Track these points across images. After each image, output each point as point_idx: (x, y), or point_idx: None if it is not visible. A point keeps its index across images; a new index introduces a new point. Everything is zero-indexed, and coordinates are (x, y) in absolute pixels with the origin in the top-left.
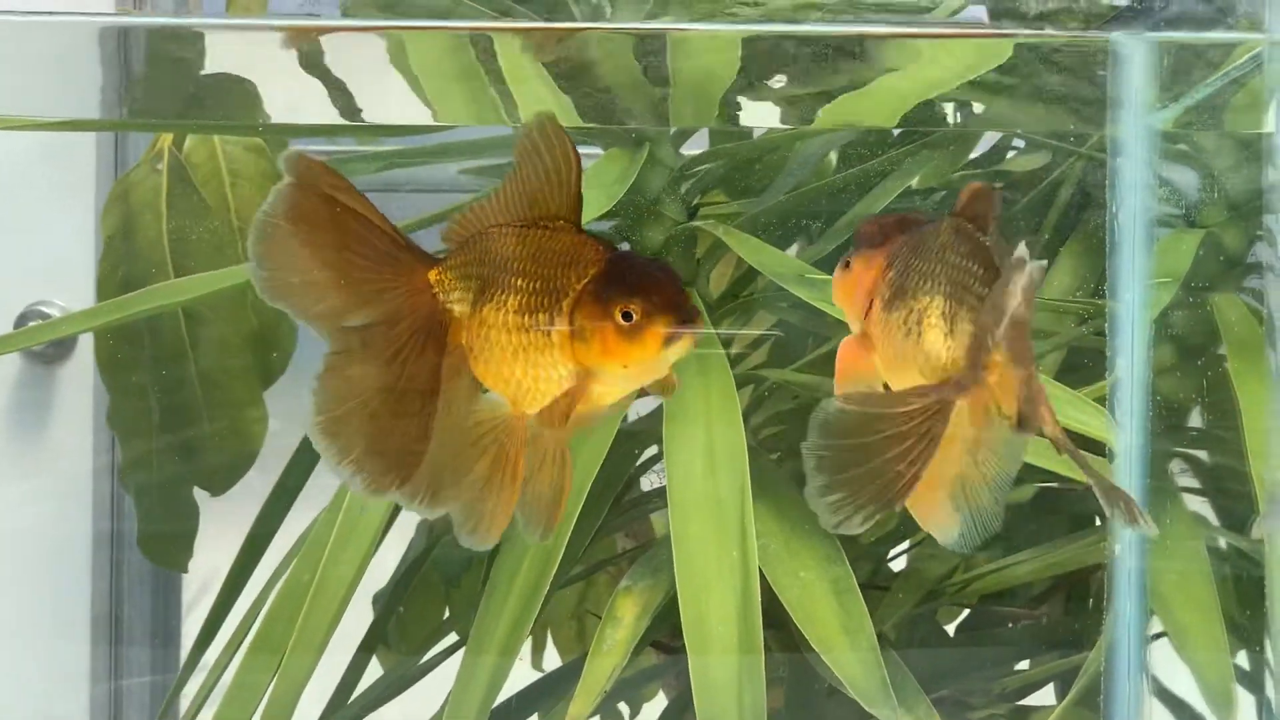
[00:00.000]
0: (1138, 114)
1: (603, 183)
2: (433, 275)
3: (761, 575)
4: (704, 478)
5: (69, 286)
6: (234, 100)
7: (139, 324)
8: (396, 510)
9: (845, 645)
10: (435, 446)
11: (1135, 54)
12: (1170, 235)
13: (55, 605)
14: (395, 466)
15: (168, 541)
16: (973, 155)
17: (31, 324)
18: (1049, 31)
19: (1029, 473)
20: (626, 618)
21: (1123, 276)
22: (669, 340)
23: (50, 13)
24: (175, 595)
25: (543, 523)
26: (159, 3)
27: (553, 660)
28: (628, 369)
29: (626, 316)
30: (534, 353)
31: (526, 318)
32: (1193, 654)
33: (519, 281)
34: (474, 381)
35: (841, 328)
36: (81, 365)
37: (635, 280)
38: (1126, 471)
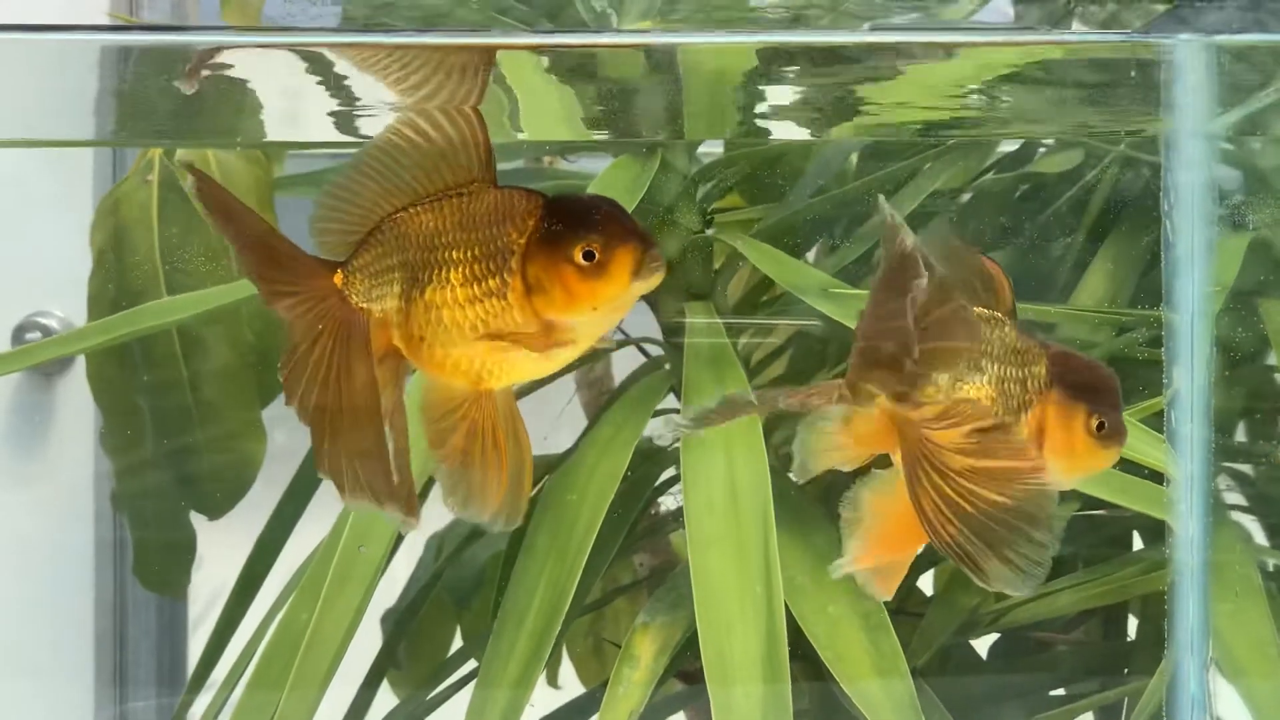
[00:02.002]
0: (1195, 119)
1: (613, 193)
2: (338, 279)
3: (787, 609)
4: (725, 509)
5: (67, 296)
6: (231, 105)
7: (131, 345)
8: (398, 542)
9: (878, 686)
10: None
11: (1193, 57)
12: (1225, 242)
13: (56, 620)
14: (386, 492)
15: (164, 569)
16: (1001, 152)
17: (29, 336)
18: (1104, 35)
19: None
20: (644, 657)
21: (1180, 285)
22: (637, 271)
23: (40, 27)
24: (181, 612)
25: (484, 501)
26: (156, 4)
27: (567, 676)
28: (598, 310)
29: (588, 256)
30: (493, 322)
31: (475, 288)
32: (1247, 683)
33: (454, 254)
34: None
35: None
36: (81, 378)
37: (584, 216)
38: (1187, 492)
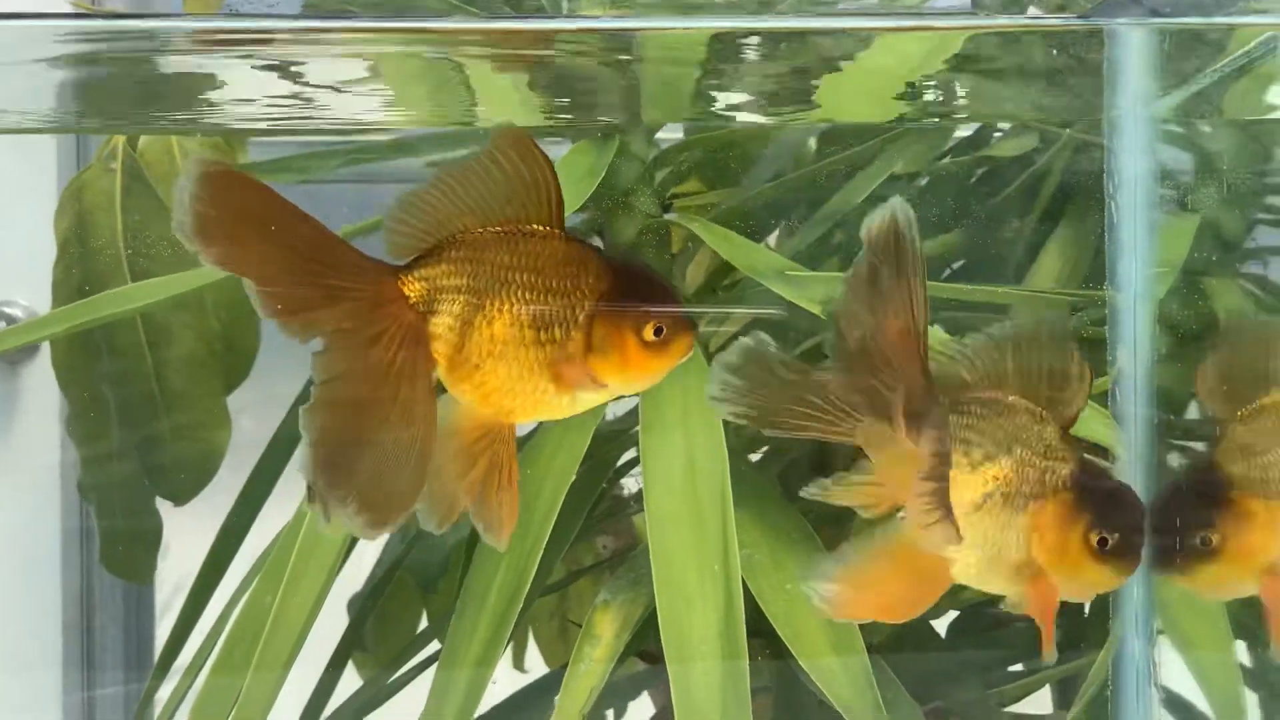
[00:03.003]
0: (1137, 100)
1: (572, 177)
2: (406, 287)
3: (746, 588)
4: (683, 488)
5: (31, 285)
6: (191, 90)
7: (95, 331)
8: None
9: (835, 664)
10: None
11: (1133, 39)
12: (1169, 221)
13: (24, 607)
14: (399, 502)
15: (130, 555)
16: (957, 137)
17: None
18: (1045, 19)
19: None
20: (605, 634)
21: (1123, 265)
22: (686, 351)
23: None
24: (148, 600)
25: (502, 530)
26: None
27: (533, 658)
28: (644, 379)
29: (657, 333)
30: (537, 366)
31: (542, 331)
32: (1197, 656)
33: (527, 295)
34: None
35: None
36: (46, 366)
37: (654, 295)
38: (1133, 467)
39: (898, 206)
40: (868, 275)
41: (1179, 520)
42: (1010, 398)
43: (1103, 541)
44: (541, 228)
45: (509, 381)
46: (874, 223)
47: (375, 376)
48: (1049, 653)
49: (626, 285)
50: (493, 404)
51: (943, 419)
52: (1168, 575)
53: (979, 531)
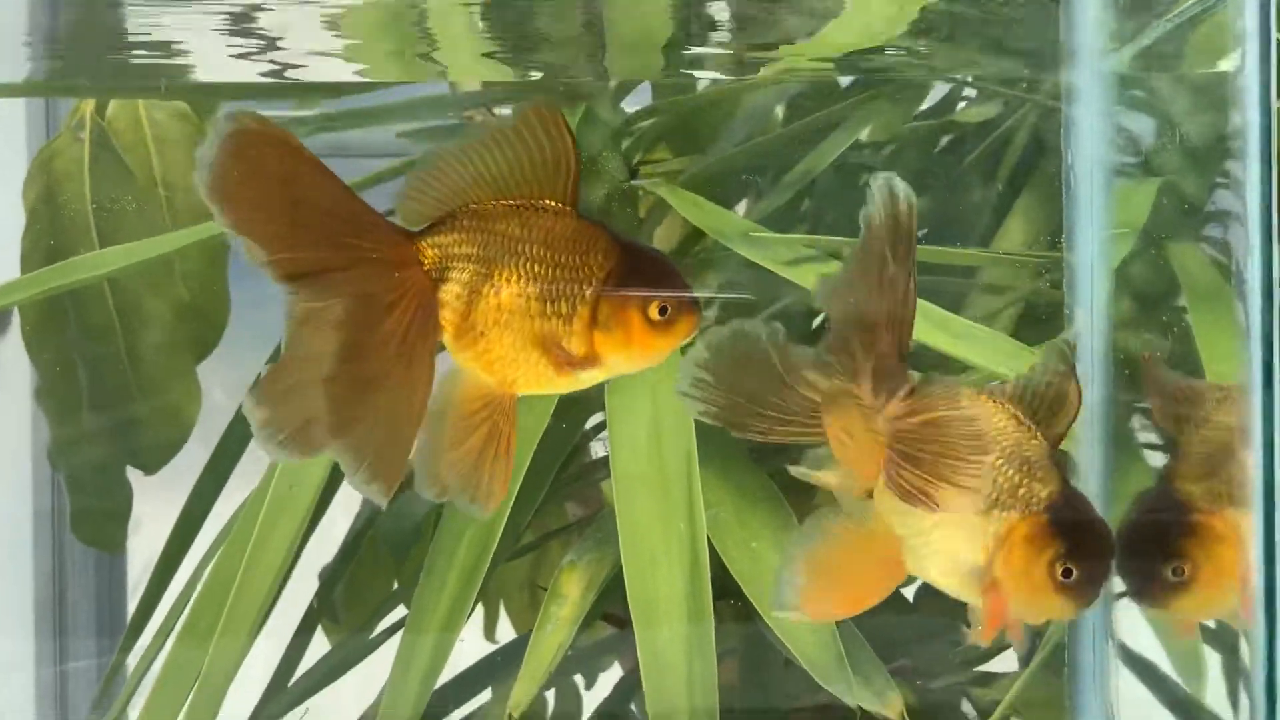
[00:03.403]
0: (1092, 59)
1: None
2: (422, 253)
3: (711, 547)
4: (649, 448)
5: (0, 254)
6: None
7: (63, 298)
8: (333, 487)
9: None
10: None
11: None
12: (1127, 184)
13: None
14: (395, 464)
15: (101, 522)
16: (923, 106)
17: None
18: None
19: None
20: (572, 594)
21: (1080, 227)
22: (690, 332)
23: None
24: (120, 574)
25: (489, 500)
26: None
27: (505, 630)
28: (646, 358)
29: (661, 312)
30: (541, 339)
31: (548, 305)
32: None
33: (537, 267)
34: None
35: (789, 285)
36: (17, 339)
37: (658, 275)
38: (1089, 426)
39: (901, 190)
40: (863, 258)
41: (1149, 555)
42: (1003, 403)
43: (1067, 572)
44: (554, 204)
45: (512, 351)
46: (875, 204)
47: (388, 339)
48: (983, 642)
49: (634, 266)
50: (495, 373)
51: (905, 384)
52: (1149, 608)
53: (944, 529)
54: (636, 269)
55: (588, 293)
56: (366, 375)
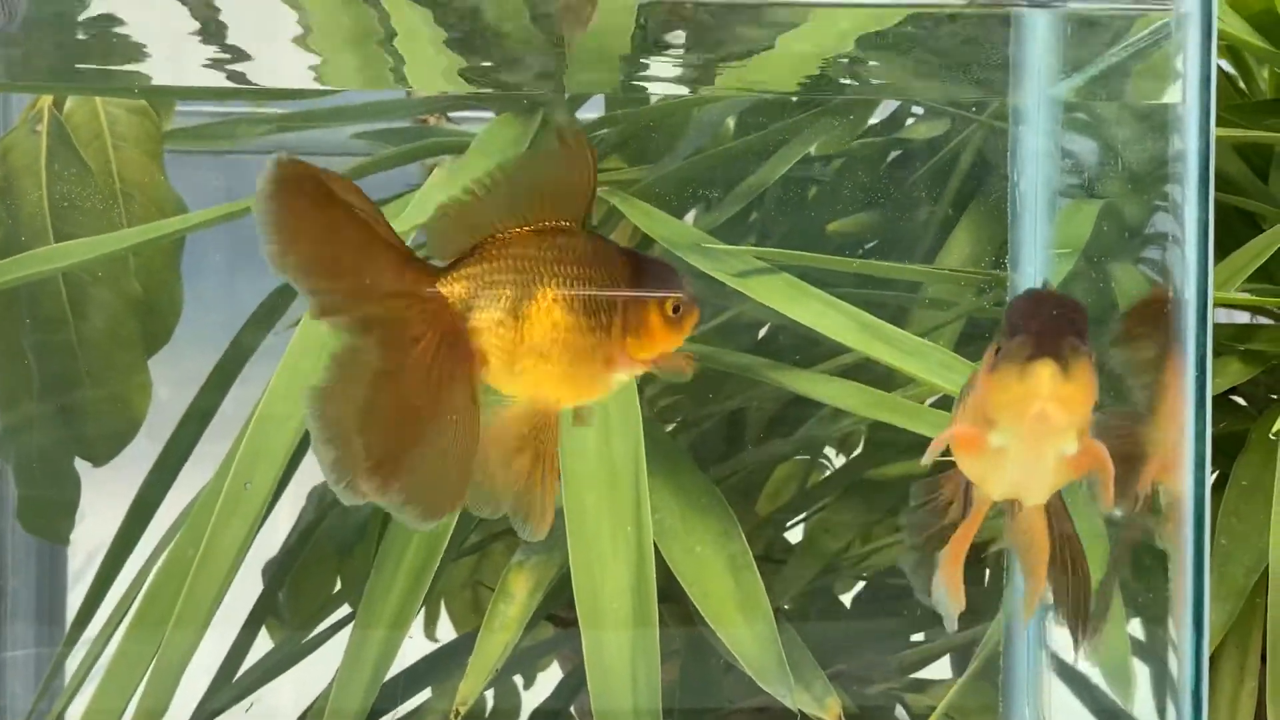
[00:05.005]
0: (1040, 83)
1: (495, 148)
2: (445, 289)
3: (657, 550)
4: (598, 451)
5: None
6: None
7: (18, 290)
8: (283, 483)
9: (741, 622)
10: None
11: (1037, 23)
12: (1070, 205)
13: None
14: (448, 496)
15: (48, 513)
16: (871, 122)
17: None
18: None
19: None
20: (519, 593)
21: (1024, 247)
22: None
23: None
24: (61, 565)
25: (543, 520)
26: None
27: (446, 630)
28: (665, 352)
29: (675, 309)
30: (591, 351)
31: (591, 318)
32: None
33: (572, 285)
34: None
35: (737, 295)
36: None
37: (665, 276)
38: None
39: None
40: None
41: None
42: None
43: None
44: (568, 223)
45: (562, 368)
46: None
47: (415, 374)
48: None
49: (644, 271)
50: (544, 393)
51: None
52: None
53: None
54: (646, 274)
55: (618, 302)
56: (400, 410)
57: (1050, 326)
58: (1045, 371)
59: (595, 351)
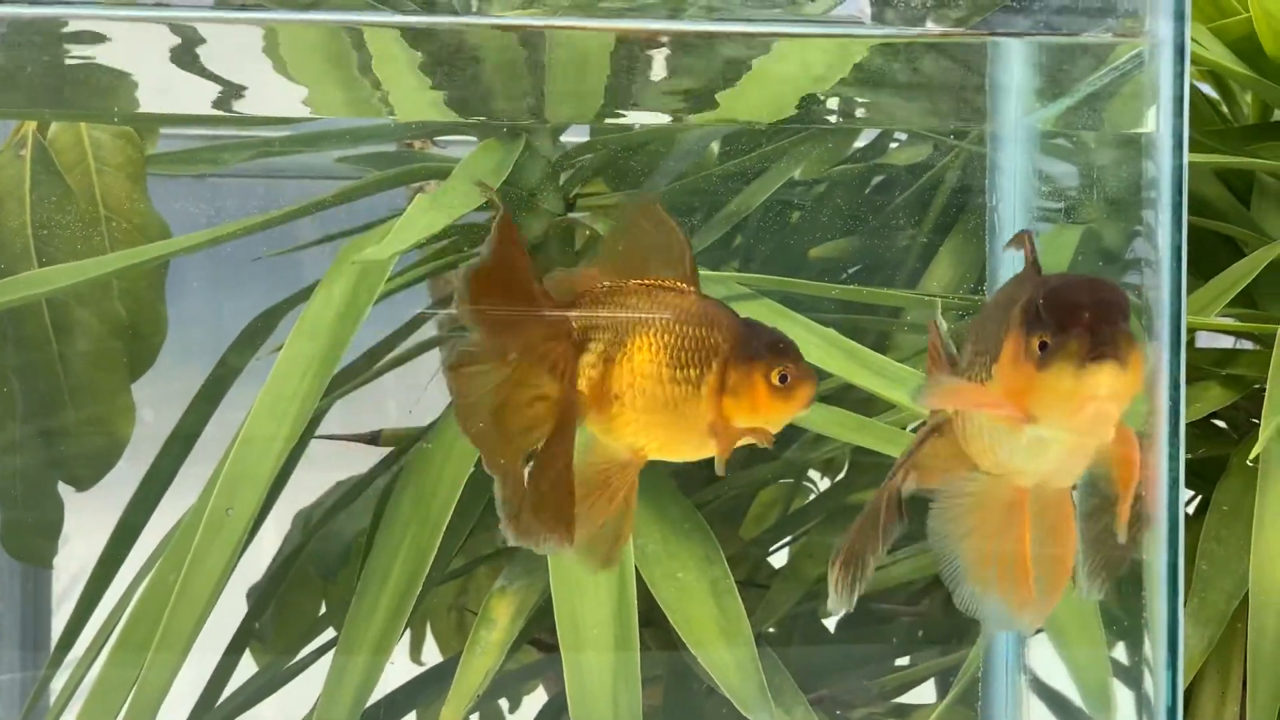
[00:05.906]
0: (1018, 110)
1: (477, 174)
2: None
3: (639, 575)
4: None
5: None
6: (101, 82)
7: (2, 316)
8: (266, 509)
9: (722, 647)
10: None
11: (1015, 51)
12: (1050, 231)
13: None
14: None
15: (31, 536)
16: (856, 146)
17: None
18: (929, 29)
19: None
20: (501, 619)
21: (1002, 270)
22: (809, 401)
23: None
24: (45, 588)
25: (609, 555)
26: None
27: (431, 653)
28: (770, 422)
29: (782, 379)
30: (681, 404)
31: (679, 371)
32: (1070, 651)
33: (665, 338)
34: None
35: None
36: None
37: (779, 346)
38: None
39: None
40: None
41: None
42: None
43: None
44: (678, 284)
45: (642, 415)
46: None
47: (539, 394)
48: None
49: (755, 338)
50: (623, 438)
51: None
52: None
53: None
54: (758, 341)
55: (715, 362)
56: (520, 431)
57: (1103, 318)
58: (1108, 373)
59: (681, 405)
